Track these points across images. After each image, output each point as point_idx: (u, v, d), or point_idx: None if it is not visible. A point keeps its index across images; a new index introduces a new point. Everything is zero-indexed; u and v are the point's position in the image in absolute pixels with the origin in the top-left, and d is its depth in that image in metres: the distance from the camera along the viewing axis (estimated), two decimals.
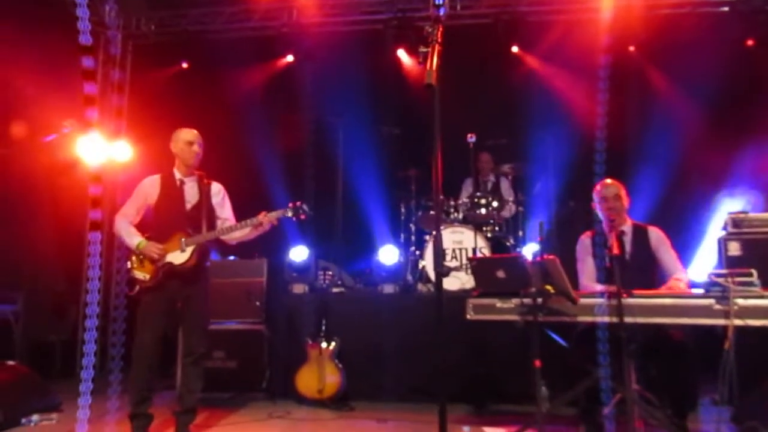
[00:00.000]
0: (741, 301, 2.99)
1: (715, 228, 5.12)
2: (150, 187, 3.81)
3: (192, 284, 3.73)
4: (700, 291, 3.15)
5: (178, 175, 3.83)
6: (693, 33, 6.05)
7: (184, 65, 7.11)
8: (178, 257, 3.67)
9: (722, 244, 4.44)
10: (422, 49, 2.40)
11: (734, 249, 4.37)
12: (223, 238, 3.86)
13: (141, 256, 3.68)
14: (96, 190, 5.47)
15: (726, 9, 6.24)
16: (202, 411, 4.15)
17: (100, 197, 6.11)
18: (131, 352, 3.68)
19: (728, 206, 5.19)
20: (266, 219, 3.74)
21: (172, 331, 4.20)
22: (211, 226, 3.82)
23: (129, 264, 3.73)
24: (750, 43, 6.13)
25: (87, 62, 2.76)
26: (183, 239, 3.68)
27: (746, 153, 5.90)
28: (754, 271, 3.04)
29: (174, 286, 3.69)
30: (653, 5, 6.23)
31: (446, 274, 5.10)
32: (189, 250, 3.68)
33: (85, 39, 2.46)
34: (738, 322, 2.97)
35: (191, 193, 3.83)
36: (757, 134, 5.86)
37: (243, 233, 3.83)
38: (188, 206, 3.80)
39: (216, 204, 3.90)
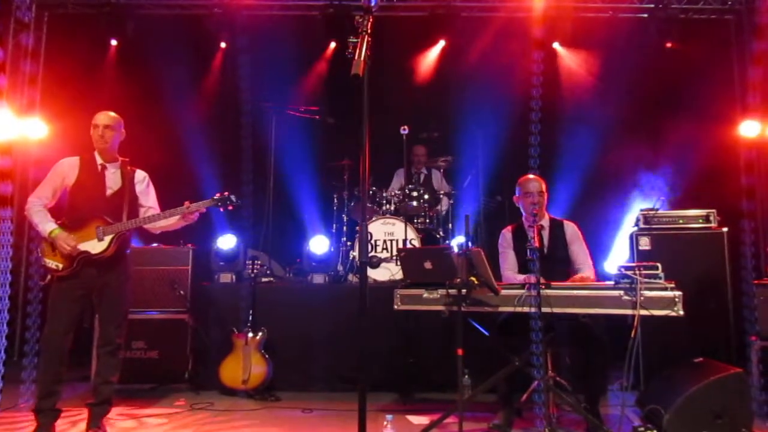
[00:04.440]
0: (647, 293, 3.19)
1: (629, 223, 5.43)
2: (69, 169, 3.60)
3: (109, 272, 3.56)
4: (611, 283, 3.34)
5: (99, 159, 3.64)
6: (615, 35, 6.36)
7: (114, 42, 6.73)
8: (95, 246, 3.50)
9: (634, 238, 4.74)
10: (352, 39, 2.39)
11: (644, 243, 4.67)
12: (147, 226, 3.71)
13: (54, 245, 3.47)
14: (5, 162, 5.07)
15: (645, 15, 6.61)
16: (118, 402, 4.00)
17: (9, 170, 5.70)
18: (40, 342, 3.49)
19: (641, 203, 5.51)
20: (191, 209, 3.62)
21: (88, 320, 4.02)
22: (133, 214, 3.66)
23: (40, 251, 3.51)
24: (669, 45, 6.51)
25: None
26: (101, 228, 3.50)
27: (661, 151, 6.31)
28: (659, 265, 3.25)
29: (90, 275, 3.51)
30: (579, 8, 6.50)
31: (377, 265, 5.24)
32: (107, 239, 3.52)
33: None
34: (644, 312, 3.17)
35: (113, 179, 3.65)
36: (673, 133, 6.27)
37: (167, 222, 3.70)
38: (108, 192, 3.62)
39: (139, 192, 3.74)
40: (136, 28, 6.57)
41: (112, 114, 3.66)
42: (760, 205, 6.03)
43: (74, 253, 3.44)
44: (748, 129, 6.10)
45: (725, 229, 4.66)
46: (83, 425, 3.59)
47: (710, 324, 4.44)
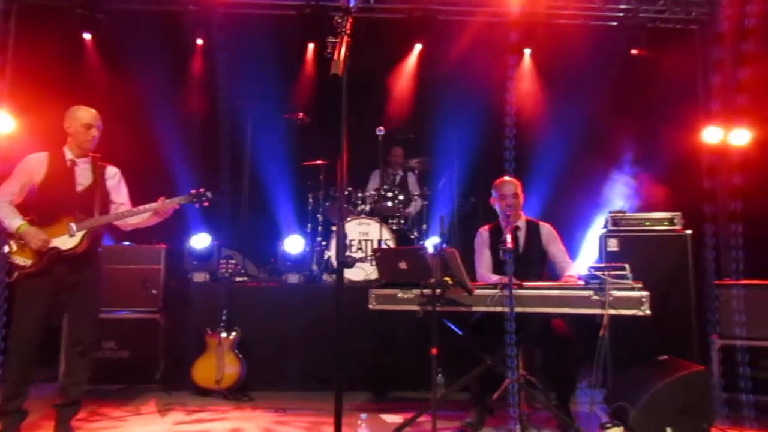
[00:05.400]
0: (615, 293, 3.28)
1: (598, 225, 5.56)
2: (37, 165, 3.52)
3: (80, 270, 3.50)
4: (581, 283, 3.43)
5: (69, 155, 3.57)
6: (586, 42, 6.51)
7: (87, 36, 6.57)
8: (66, 242, 3.44)
9: (602, 240, 4.86)
10: (331, 40, 2.41)
11: (613, 245, 4.80)
12: (118, 223, 3.66)
13: (22, 241, 3.39)
14: None
15: (614, 24, 6.80)
16: (88, 403, 3.93)
17: None
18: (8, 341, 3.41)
19: (610, 206, 5.65)
20: (165, 205, 3.59)
21: (57, 319, 3.93)
22: (104, 210, 3.60)
23: (7, 248, 3.42)
24: (634, 52, 6.72)
25: None
26: (72, 223, 3.45)
27: (628, 155, 6.47)
28: (627, 266, 3.35)
29: (60, 272, 3.45)
30: (552, 14, 6.64)
31: (351, 265, 5.26)
32: (79, 234, 3.46)
33: None
34: (612, 311, 3.26)
35: (84, 175, 3.58)
36: (641, 138, 6.45)
37: (139, 219, 3.65)
38: (79, 188, 3.55)
39: (111, 187, 3.68)
40: (110, 22, 6.43)
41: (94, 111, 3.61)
42: (722, 208, 6.24)
43: (44, 248, 3.37)
44: (711, 135, 6.32)
45: (689, 232, 4.82)
46: (50, 427, 3.52)
47: (674, 323, 4.58)
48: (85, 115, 3.56)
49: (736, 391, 4.03)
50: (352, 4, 2.53)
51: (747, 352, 4.08)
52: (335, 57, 2.32)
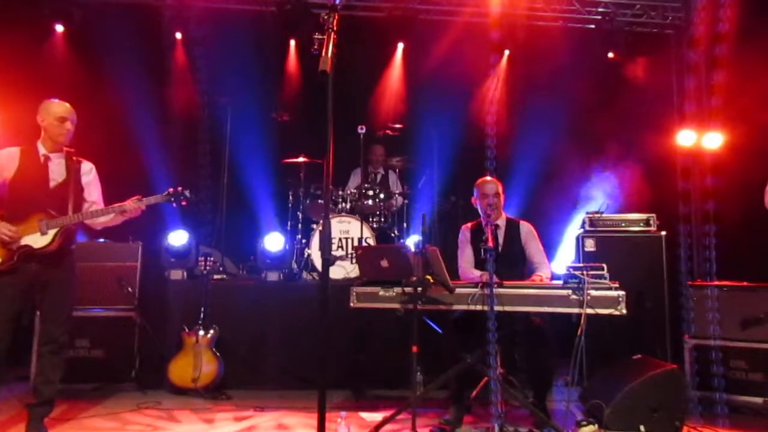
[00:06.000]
0: (593, 292, 3.33)
1: (575, 225, 5.64)
2: (8, 160, 3.42)
3: (53, 268, 3.41)
4: (560, 282, 3.47)
5: (42, 150, 3.47)
6: (564, 44, 6.60)
7: (60, 29, 6.40)
8: (38, 240, 3.34)
9: (580, 240, 4.94)
10: (317, 36, 2.40)
11: (590, 245, 4.89)
12: (87, 222, 3.58)
13: None
14: None
15: (592, 26, 6.91)
16: (60, 403, 3.85)
17: None
18: None
19: (588, 206, 5.73)
20: (138, 205, 3.51)
21: (28, 317, 3.83)
22: (78, 207, 3.51)
23: None
24: (611, 55, 6.85)
25: None
26: (44, 221, 3.35)
27: (606, 157, 6.58)
28: (604, 265, 3.40)
29: (32, 270, 3.35)
30: (531, 16, 6.72)
31: (332, 263, 5.23)
32: (51, 232, 3.36)
33: None
34: (590, 310, 3.30)
35: (57, 171, 3.49)
36: (618, 140, 6.55)
37: (109, 218, 3.56)
38: (53, 184, 3.46)
39: (86, 183, 3.59)
40: (84, 14, 6.28)
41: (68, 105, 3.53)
42: (695, 210, 6.39)
43: (14, 245, 3.27)
44: (685, 138, 6.46)
45: (663, 233, 4.92)
46: (21, 427, 3.43)
47: (648, 323, 4.68)
48: (58, 108, 3.47)
49: (709, 390, 4.13)
50: (338, 1, 2.51)
51: (719, 352, 4.19)
52: (323, 54, 2.31)
